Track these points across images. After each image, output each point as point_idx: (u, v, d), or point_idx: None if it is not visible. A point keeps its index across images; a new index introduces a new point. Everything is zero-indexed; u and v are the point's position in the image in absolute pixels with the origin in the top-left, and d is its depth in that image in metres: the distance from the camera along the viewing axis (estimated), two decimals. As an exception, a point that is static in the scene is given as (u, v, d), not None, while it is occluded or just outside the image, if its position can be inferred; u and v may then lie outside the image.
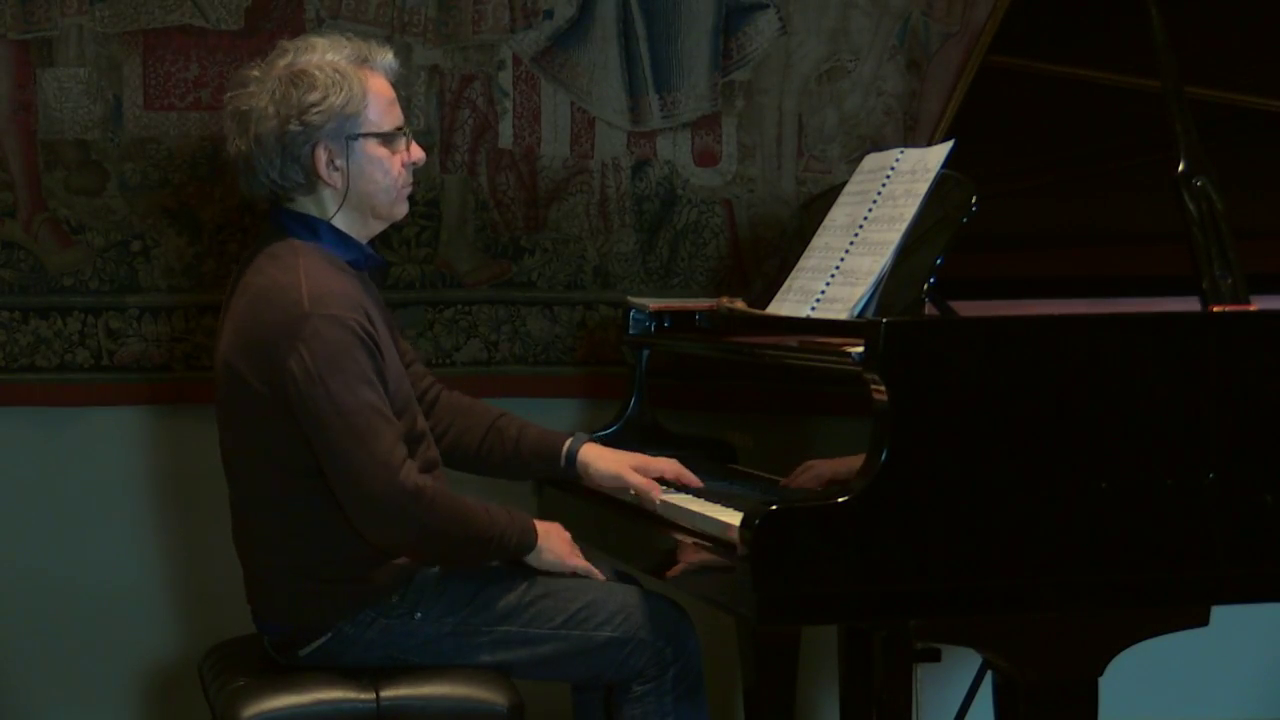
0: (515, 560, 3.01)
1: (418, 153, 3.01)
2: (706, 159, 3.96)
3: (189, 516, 3.88)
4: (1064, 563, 2.67)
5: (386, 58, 2.99)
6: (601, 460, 3.15)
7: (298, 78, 2.89)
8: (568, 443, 3.18)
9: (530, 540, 2.98)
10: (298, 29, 3.79)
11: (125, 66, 3.79)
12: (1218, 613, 2.78)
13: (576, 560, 3.05)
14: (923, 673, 3.44)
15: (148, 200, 3.82)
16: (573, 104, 3.92)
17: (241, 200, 3.82)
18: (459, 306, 3.91)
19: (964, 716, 3.57)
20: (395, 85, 3.01)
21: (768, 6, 3.95)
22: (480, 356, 3.91)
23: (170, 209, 3.82)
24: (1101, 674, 2.74)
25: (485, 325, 3.92)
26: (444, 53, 3.87)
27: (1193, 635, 2.80)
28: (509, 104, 3.90)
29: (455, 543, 2.89)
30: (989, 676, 2.81)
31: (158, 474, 3.88)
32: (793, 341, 3.02)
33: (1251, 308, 2.82)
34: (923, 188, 2.97)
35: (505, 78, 3.89)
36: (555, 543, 3.03)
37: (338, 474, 2.82)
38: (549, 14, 3.89)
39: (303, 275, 2.86)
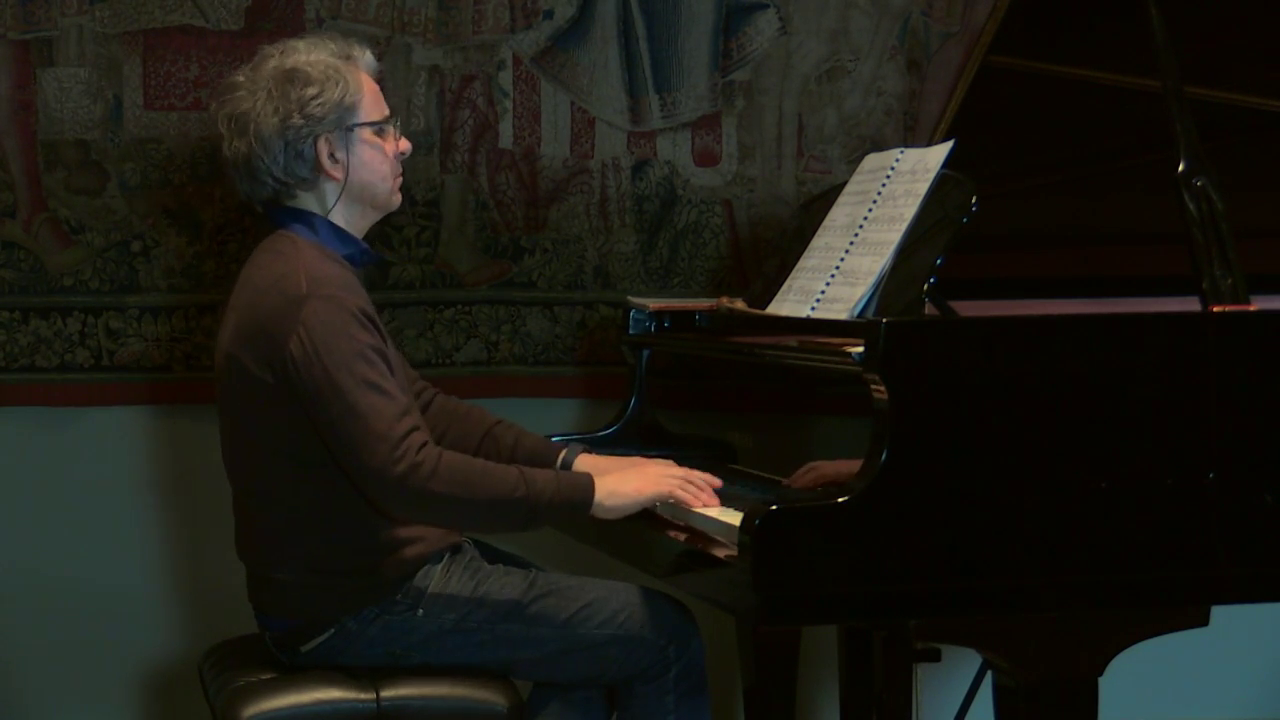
0: (577, 519, 2.90)
1: (405, 143, 3.07)
2: (706, 159, 3.96)
3: (189, 516, 3.88)
4: (1064, 563, 2.67)
5: (366, 56, 3.06)
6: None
7: (293, 75, 2.94)
8: (562, 454, 3.17)
9: (583, 495, 2.87)
10: (298, 29, 3.79)
11: (125, 66, 3.79)
12: (1218, 613, 2.78)
13: (651, 489, 2.91)
14: (923, 673, 3.44)
15: (148, 200, 3.82)
16: (573, 104, 3.92)
17: (242, 200, 3.82)
18: (459, 306, 3.91)
19: (964, 716, 3.57)
20: (377, 82, 3.07)
21: (768, 6, 3.95)
22: (480, 356, 3.91)
23: (170, 209, 3.82)
24: (1101, 674, 2.74)
25: (485, 325, 3.92)
26: (444, 53, 3.87)
27: (1193, 635, 2.80)
28: (509, 104, 3.90)
29: (474, 508, 2.82)
30: (989, 676, 2.81)
31: (158, 474, 3.88)
32: (793, 341, 3.02)
33: (1251, 308, 2.82)
34: (923, 188, 2.97)
35: (505, 78, 3.89)
36: (620, 485, 2.91)
37: (341, 451, 2.82)
38: (549, 14, 3.89)
39: (301, 264, 2.89)
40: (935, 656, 3.34)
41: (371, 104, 3.01)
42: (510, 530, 2.95)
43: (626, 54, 3.92)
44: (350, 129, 2.97)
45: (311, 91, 2.93)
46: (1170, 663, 3.95)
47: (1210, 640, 3.05)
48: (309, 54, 2.98)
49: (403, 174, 3.08)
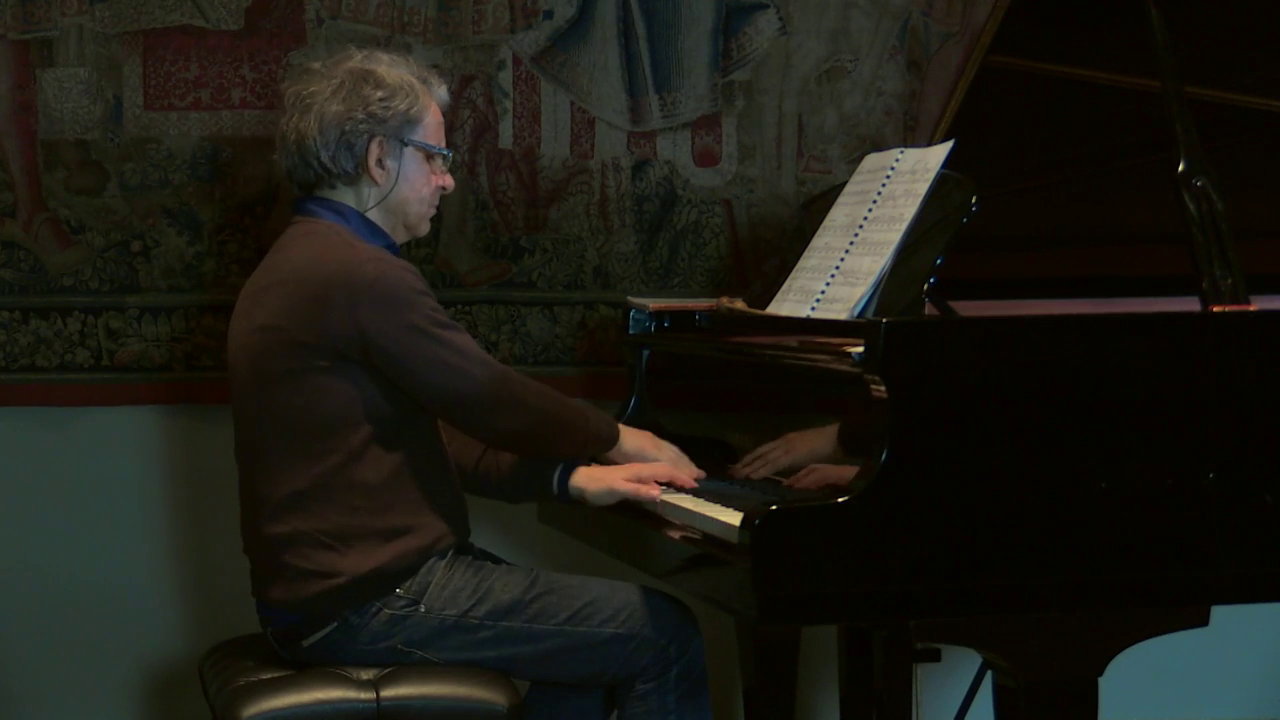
0: (596, 455, 3.12)
1: (449, 180, 3.14)
2: (706, 159, 3.96)
3: (189, 516, 3.88)
4: (1064, 563, 2.67)
5: (442, 88, 3.14)
6: (593, 483, 3.07)
7: (368, 75, 3.03)
8: (556, 472, 3.10)
9: (612, 432, 3.12)
10: (298, 29, 3.80)
11: (125, 66, 3.79)
12: (1218, 613, 2.78)
13: (621, 487, 3.05)
14: (923, 673, 3.44)
15: (148, 200, 3.82)
16: (573, 104, 3.92)
17: (242, 200, 3.83)
18: (459, 306, 3.91)
19: (964, 716, 3.57)
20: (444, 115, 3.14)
21: (768, 6, 3.95)
22: (480, 356, 3.91)
23: (170, 209, 3.83)
24: (1101, 674, 2.74)
25: (485, 325, 3.92)
26: (444, 53, 3.87)
27: (1193, 635, 2.80)
28: (509, 104, 3.90)
29: (554, 421, 3.04)
30: (989, 676, 2.81)
31: (158, 474, 3.88)
32: (793, 341, 3.02)
33: (1251, 308, 2.82)
34: (923, 188, 2.97)
35: (505, 78, 3.89)
36: (638, 440, 3.15)
37: (441, 386, 2.93)
38: (549, 14, 3.89)
39: (339, 240, 2.97)
40: (935, 656, 3.35)
41: (432, 129, 3.08)
42: (569, 452, 3.07)
43: (626, 54, 3.92)
44: (405, 143, 3.03)
45: (381, 94, 3.01)
46: (1170, 663, 3.95)
47: (1210, 640, 3.06)
48: (391, 66, 3.06)
49: (438, 207, 3.14)
